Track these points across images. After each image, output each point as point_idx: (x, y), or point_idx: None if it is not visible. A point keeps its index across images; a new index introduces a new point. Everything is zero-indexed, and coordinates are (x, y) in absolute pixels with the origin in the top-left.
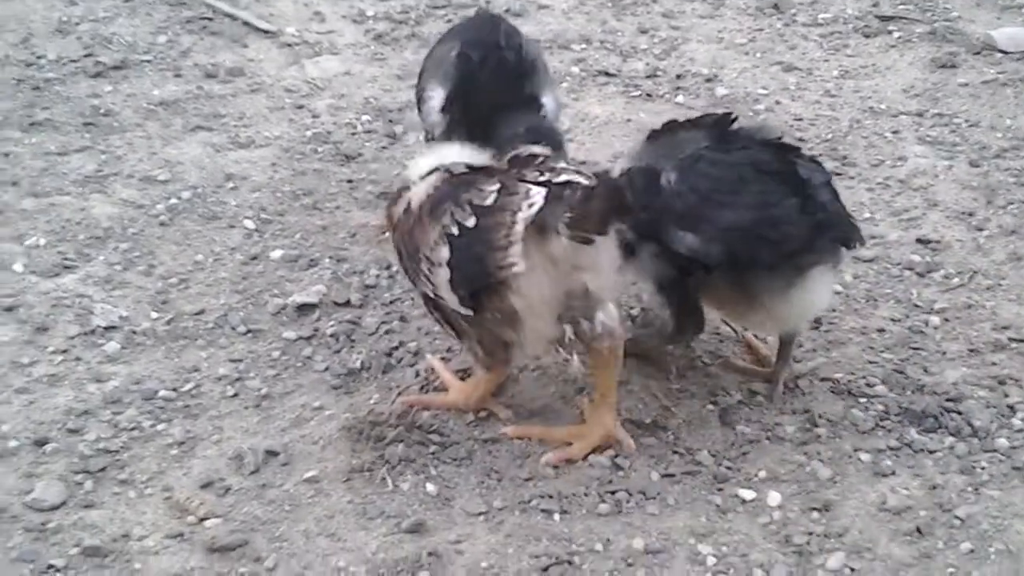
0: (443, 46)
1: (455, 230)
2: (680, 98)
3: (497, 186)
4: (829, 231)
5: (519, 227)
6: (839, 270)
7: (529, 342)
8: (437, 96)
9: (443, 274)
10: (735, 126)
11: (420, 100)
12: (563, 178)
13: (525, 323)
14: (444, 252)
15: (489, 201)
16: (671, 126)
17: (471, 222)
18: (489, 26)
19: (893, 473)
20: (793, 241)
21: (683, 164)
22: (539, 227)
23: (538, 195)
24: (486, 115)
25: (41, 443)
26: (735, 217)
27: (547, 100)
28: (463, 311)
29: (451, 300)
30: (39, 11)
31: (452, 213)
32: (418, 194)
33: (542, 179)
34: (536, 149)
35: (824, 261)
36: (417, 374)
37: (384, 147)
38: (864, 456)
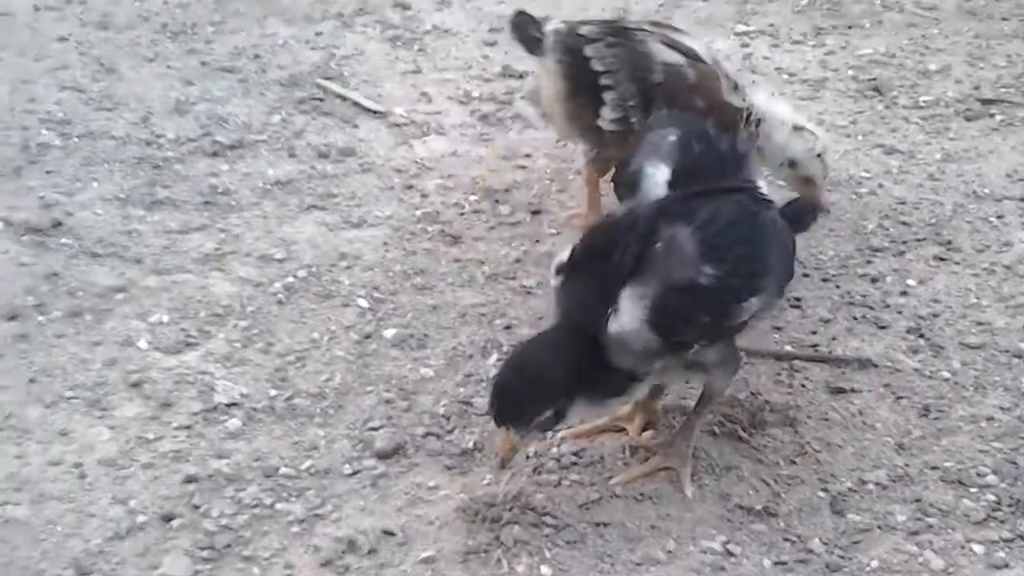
0: (654, 133)
1: None
2: None
3: None
4: None
5: None
6: None
7: None
8: (661, 172)
9: None
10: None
11: (638, 177)
12: None
13: None
14: None
15: None
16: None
17: None
18: (699, 121)
19: (1007, 566)
20: None
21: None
22: None
23: None
24: None
25: (168, 519)
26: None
27: (761, 184)
28: None
29: None
30: (157, 91)
31: None
32: None
33: None
34: None
35: None
36: (528, 456)
37: (492, 227)
38: (977, 547)
